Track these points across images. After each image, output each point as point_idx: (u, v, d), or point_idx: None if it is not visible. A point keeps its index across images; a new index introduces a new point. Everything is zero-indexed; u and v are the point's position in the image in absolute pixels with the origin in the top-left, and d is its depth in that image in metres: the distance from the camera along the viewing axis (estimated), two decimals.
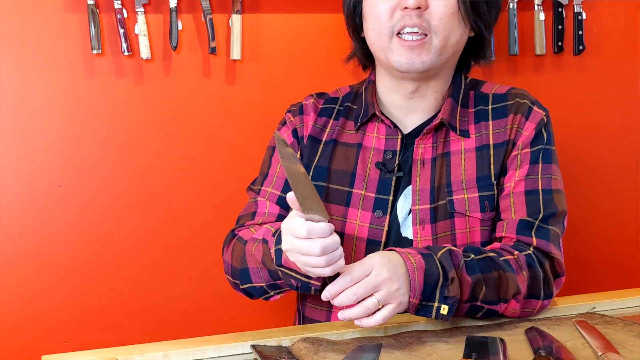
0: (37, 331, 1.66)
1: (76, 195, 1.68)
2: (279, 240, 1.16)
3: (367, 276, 1.08)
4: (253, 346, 1.10)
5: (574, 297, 1.33)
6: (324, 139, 1.37)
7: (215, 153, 1.76)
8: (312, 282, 1.16)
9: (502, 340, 1.10)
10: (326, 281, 1.13)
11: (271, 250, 1.19)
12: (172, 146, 1.73)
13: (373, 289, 1.08)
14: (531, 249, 1.24)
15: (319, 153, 1.36)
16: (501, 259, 1.21)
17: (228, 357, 1.12)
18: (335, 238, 1.06)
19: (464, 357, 1.01)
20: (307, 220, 1.05)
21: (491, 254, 1.21)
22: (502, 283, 1.19)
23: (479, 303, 1.17)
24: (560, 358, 1.00)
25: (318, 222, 1.04)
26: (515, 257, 1.22)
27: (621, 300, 1.33)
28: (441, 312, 1.12)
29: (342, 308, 1.11)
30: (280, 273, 1.19)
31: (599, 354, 1.00)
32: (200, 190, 1.76)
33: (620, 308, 1.31)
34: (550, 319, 1.23)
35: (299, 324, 1.42)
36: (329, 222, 1.06)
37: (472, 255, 1.19)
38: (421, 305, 1.12)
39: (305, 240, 1.05)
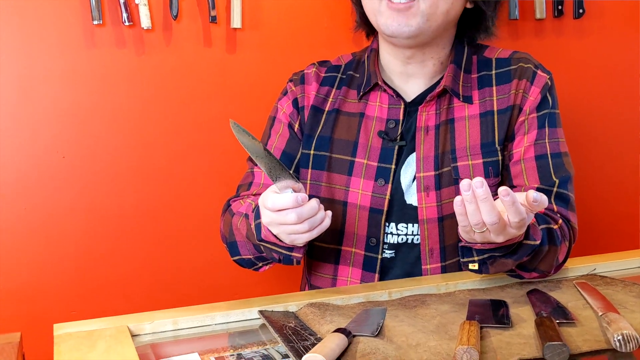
0: (44, 301, 1.68)
1: (81, 165, 1.69)
2: (257, 215, 1.18)
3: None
4: (261, 312, 1.12)
5: (575, 259, 1.35)
6: (326, 109, 1.38)
7: (216, 121, 1.76)
8: (293, 254, 1.18)
9: (504, 302, 1.12)
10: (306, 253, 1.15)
11: (252, 225, 1.21)
12: (174, 115, 1.73)
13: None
14: (561, 220, 1.24)
15: (321, 123, 1.37)
16: (555, 227, 1.20)
17: (236, 322, 1.14)
18: (311, 204, 1.08)
19: (467, 319, 1.03)
20: (281, 189, 1.08)
21: (552, 226, 1.20)
22: (547, 257, 1.18)
23: (514, 268, 1.18)
24: (562, 319, 1.02)
25: (292, 189, 1.08)
26: (559, 226, 1.22)
27: (621, 262, 1.35)
28: (470, 267, 1.13)
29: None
30: (262, 247, 1.21)
31: (600, 314, 1.02)
32: (202, 157, 1.77)
33: (620, 269, 1.33)
34: (551, 281, 1.25)
35: (307, 281, 1.44)
36: (301, 186, 1.10)
37: (540, 227, 1.16)
38: (465, 250, 1.12)
39: (279, 212, 1.08)
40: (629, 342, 0.89)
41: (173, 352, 1.05)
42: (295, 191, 1.09)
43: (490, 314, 1.06)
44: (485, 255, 1.12)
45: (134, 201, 1.73)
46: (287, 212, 1.07)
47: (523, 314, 1.07)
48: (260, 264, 1.32)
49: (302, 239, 1.12)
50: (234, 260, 1.35)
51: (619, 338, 0.90)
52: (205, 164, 1.77)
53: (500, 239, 1.05)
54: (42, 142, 1.66)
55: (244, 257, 1.32)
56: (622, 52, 2.03)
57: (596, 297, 1.11)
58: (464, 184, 0.98)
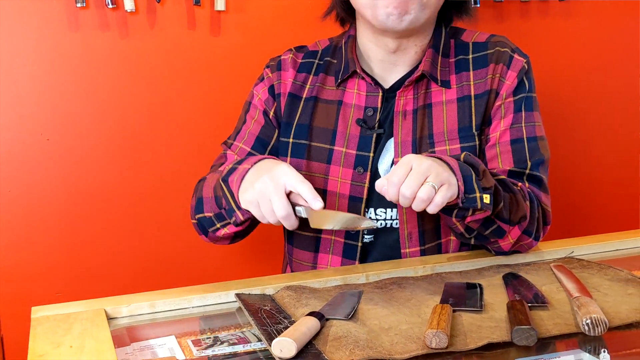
0: (28, 282, 1.69)
1: (64, 147, 1.69)
2: (239, 161, 1.20)
3: (411, 169, 1.08)
4: (237, 295, 1.13)
5: (554, 242, 1.36)
6: (304, 96, 1.38)
7: (199, 104, 1.76)
8: (237, 213, 1.18)
9: (479, 285, 1.13)
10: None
11: (226, 167, 1.22)
12: (158, 98, 1.73)
13: (423, 176, 1.07)
14: (526, 190, 1.27)
15: (299, 110, 1.37)
16: (514, 186, 1.23)
17: (213, 305, 1.14)
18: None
19: (441, 302, 1.04)
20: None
21: (503, 177, 1.23)
22: (513, 204, 1.21)
23: (492, 216, 1.19)
24: (534, 302, 1.03)
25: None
26: (520, 187, 1.25)
27: (599, 245, 1.36)
28: (484, 201, 1.13)
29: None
30: (220, 187, 1.21)
31: (572, 297, 1.02)
32: (185, 141, 1.77)
33: (598, 252, 1.34)
34: (529, 264, 1.26)
35: (289, 267, 1.45)
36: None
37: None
38: (465, 197, 1.13)
39: (287, 198, 1.10)
40: (597, 326, 0.90)
41: (150, 335, 1.06)
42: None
43: (464, 297, 1.07)
44: (485, 184, 1.14)
45: (116, 184, 1.73)
46: (284, 208, 1.09)
47: (497, 297, 1.08)
48: (218, 225, 1.28)
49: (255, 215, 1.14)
50: (196, 220, 1.33)
51: (587, 322, 0.91)
52: (188, 146, 1.77)
53: (439, 199, 1.07)
54: (25, 124, 1.65)
55: (205, 214, 1.29)
56: (607, 35, 2.03)
57: (570, 280, 1.12)
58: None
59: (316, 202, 1.08)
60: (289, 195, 1.10)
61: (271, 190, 1.08)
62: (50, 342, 0.95)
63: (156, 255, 1.79)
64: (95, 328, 1.00)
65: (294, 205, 1.10)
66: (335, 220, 1.10)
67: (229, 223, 1.24)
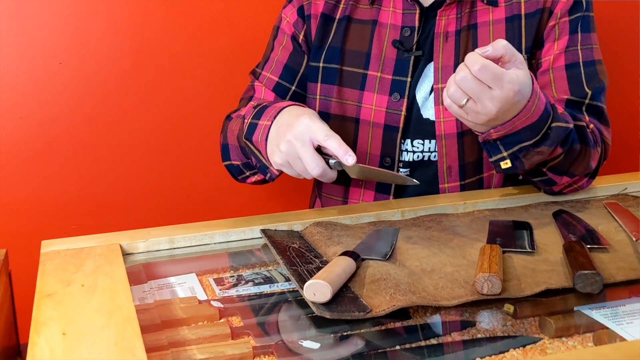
0: (43, 214, 1.63)
1: (78, 73, 1.60)
2: (257, 115, 1.11)
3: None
4: (263, 230, 1.04)
5: (604, 177, 1.25)
6: (337, 17, 1.26)
7: (221, 31, 1.66)
8: (271, 170, 1.11)
9: (528, 224, 1.03)
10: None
11: (245, 121, 1.13)
12: (176, 19, 1.63)
13: (474, 93, 0.95)
14: (593, 126, 1.16)
15: (332, 33, 1.26)
16: (587, 130, 1.13)
17: (237, 242, 1.06)
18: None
19: (487, 242, 0.95)
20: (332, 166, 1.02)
21: (582, 124, 1.12)
22: (580, 158, 1.11)
23: (545, 169, 1.10)
24: (592, 244, 0.93)
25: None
26: (591, 130, 1.15)
27: None
28: (502, 166, 1.05)
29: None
30: (245, 144, 1.14)
31: (635, 239, 0.93)
32: (208, 69, 1.68)
33: None
34: (579, 201, 1.16)
35: (319, 201, 1.37)
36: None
37: (572, 125, 1.07)
38: (489, 145, 1.04)
39: (316, 155, 1.01)
40: None
41: (169, 273, 0.99)
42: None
43: (513, 237, 0.97)
44: (515, 148, 1.03)
45: (134, 113, 1.65)
46: (318, 164, 1.00)
47: (549, 237, 0.98)
48: (247, 173, 1.24)
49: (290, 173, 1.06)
50: (225, 166, 1.28)
51: None
52: (212, 75, 1.68)
53: (489, 105, 0.95)
54: (37, 47, 1.56)
55: (233, 162, 1.24)
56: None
57: (630, 220, 1.02)
58: None
59: (349, 158, 0.98)
60: (318, 148, 1.01)
61: (298, 149, 1.00)
62: (59, 279, 0.88)
63: (176, 188, 1.72)
64: (109, 265, 0.92)
65: (327, 157, 1.01)
66: (374, 176, 1.07)
67: (258, 172, 1.18)
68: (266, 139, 1.07)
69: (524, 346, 0.75)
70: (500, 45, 0.94)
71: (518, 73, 0.95)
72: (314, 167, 0.99)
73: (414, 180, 1.04)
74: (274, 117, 1.07)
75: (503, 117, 0.98)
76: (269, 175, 1.12)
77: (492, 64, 0.93)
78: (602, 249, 0.92)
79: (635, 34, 1.97)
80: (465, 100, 0.95)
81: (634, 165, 1.95)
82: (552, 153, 1.06)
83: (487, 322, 0.80)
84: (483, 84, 0.94)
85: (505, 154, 1.04)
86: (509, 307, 0.81)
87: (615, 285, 0.84)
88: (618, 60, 1.97)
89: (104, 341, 0.70)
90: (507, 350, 0.74)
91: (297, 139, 1.00)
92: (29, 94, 1.58)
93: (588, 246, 0.91)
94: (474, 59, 0.93)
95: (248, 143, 1.13)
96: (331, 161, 1.00)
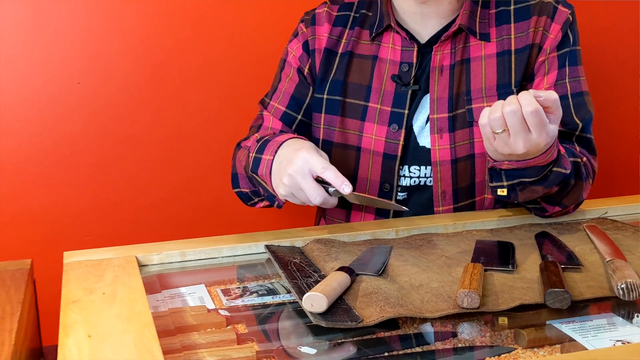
0: (58, 224, 1.71)
1: (94, 91, 1.68)
2: (260, 150, 1.20)
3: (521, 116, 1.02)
4: (267, 246, 1.13)
5: (587, 202, 1.33)
6: (340, 51, 1.35)
7: (233, 58, 1.75)
8: (278, 199, 1.19)
9: (511, 245, 1.12)
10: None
11: (250, 155, 1.22)
12: (190, 40, 1.72)
13: (534, 126, 1.01)
14: (585, 158, 1.24)
15: (335, 66, 1.35)
16: (581, 164, 1.21)
17: (243, 256, 1.15)
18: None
19: (472, 261, 1.03)
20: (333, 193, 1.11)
21: (578, 160, 1.20)
22: (573, 190, 1.19)
23: (539, 199, 1.18)
24: (567, 264, 1.02)
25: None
26: (584, 163, 1.22)
27: (634, 206, 1.33)
28: (498, 192, 1.14)
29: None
30: (252, 178, 1.23)
31: (606, 260, 1.01)
32: (221, 89, 1.76)
33: (632, 213, 1.32)
34: (562, 223, 1.24)
35: (323, 222, 1.46)
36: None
37: (569, 171, 1.15)
38: (494, 172, 1.13)
39: (315, 184, 1.09)
40: (632, 291, 0.89)
41: (180, 283, 1.07)
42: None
43: (496, 256, 1.06)
44: (515, 181, 1.12)
45: (149, 129, 1.74)
46: (319, 194, 1.09)
47: (529, 257, 1.07)
48: (255, 199, 1.33)
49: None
50: (235, 193, 1.37)
51: (622, 286, 0.90)
52: (225, 94, 1.76)
53: (520, 145, 1.03)
54: (56, 67, 1.65)
55: (242, 189, 1.33)
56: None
57: (604, 242, 1.10)
58: None
59: (345, 187, 1.07)
60: (318, 177, 1.10)
61: (300, 182, 1.09)
62: (82, 288, 0.96)
63: (187, 201, 1.80)
64: (127, 275, 1.01)
65: (326, 186, 1.10)
66: (369, 202, 1.17)
67: (265, 199, 1.27)
68: (270, 173, 1.15)
69: (499, 355, 0.83)
70: (553, 99, 1.01)
71: (555, 128, 1.04)
72: (315, 197, 1.08)
73: (404, 207, 1.13)
74: (275, 152, 1.16)
75: (523, 156, 1.06)
76: (277, 203, 1.21)
77: (542, 112, 1.00)
78: (576, 268, 1.01)
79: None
80: (502, 130, 1.03)
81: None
82: (548, 192, 1.15)
83: (467, 333, 0.88)
84: (526, 125, 1.01)
85: (505, 183, 1.13)
86: (503, 320, 0.90)
87: (584, 302, 0.92)
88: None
89: (125, 343, 0.78)
90: (484, 359, 0.82)
91: (298, 173, 1.08)
92: (48, 110, 1.67)
93: (563, 266, 1.00)
94: (529, 100, 0.99)
95: (255, 176, 1.21)
96: (330, 189, 1.09)
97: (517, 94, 1.19)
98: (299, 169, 1.08)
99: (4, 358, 0.78)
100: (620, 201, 1.35)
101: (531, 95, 1.00)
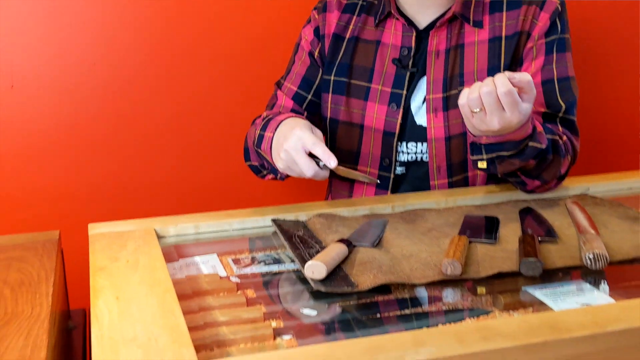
0: (81, 200, 1.82)
1: (113, 71, 1.77)
2: (264, 127, 1.32)
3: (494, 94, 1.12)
4: (273, 220, 1.24)
5: (571, 178, 1.43)
6: (347, 36, 1.46)
7: (247, 44, 1.83)
8: (280, 173, 1.32)
9: (496, 219, 1.22)
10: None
11: (256, 132, 1.34)
12: (205, 27, 1.80)
13: (508, 105, 1.11)
14: (565, 137, 1.34)
15: (342, 50, 1.45)
16: (560, 142, 1.31)
17: (251, 229, 1.26)
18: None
19: (459, 233, 1.14)
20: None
21: (556, 137, 1.30)
22: (551, 166, 1.29)
23: (519, 173, 1.29)
24: (545, 236, 1.12)
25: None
26: (564, 141, 1.33)
27: (614, 183, 1.43)
28: (479, 165, 1.25)
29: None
30: (259, 153, 1.35)
31: (581, 232, 1.12)
32: (232, 66, 1.84)
33: (612, 190, 1.42)
34: (546, 199, 1.35)
35: (330, 196, 1.58)
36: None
37: (544, 146, 1.24)
38: (474, 146, 1.24)
39: (308, 158, 1.20)
40: (598, 261, 1.00)
41: (194, 253, 1.18)
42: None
43: (481, 229, 1.16)
44: (493, 155, 1.22)
45: (161, 107, 1.82)
46: (310, 167, 1.19)
47: (511, 230, 1.17)
48: (264, 172, 1.45)
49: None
50: (247, 165, 1.49)
51: (590, 256, 1.00)
52: (236, 73, 1.85)
53: (495, 122, 1.14)
54: (72, 49, 1.74)
55: (252, 163, 1.45)
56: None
57: (582, 217, 1.20)
58: None
59: (330, 161, 1.18)
60: (311, 153, 1.20)
61: (294, 156, 1.20)
62: (108, 257, 1.07)
63: (200, 179, 1.90)
64: (147, 245, 1.12)
65: (317, 160, 1.20)
66: (352, 175, 1.28)
67: (270, 172, 1.40)
68: (270, 148, 1.27)
69: (478, 316, 0.94)
70: (526, 80, 1.12)
71: (528, 107, 1.14)
72: (307, 169, 1.19)
73: (377, 180, 1.27)
74: (275, 130, 1.28)
75: (498, 132, 1.17)
76: (279, 175, 1.33)
77: (515, 92, 1.11)
78: (552, 240, 1.11)
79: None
80: (479, 109, 1.14)
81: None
82: (525, 165, 1.25)
83: (451, 297, 0.99)
84: (500, 105, 1.12)
85: (484, 156, 1.23)
86: (481, 290, 1.00)
87: (557, 271, 1.03)
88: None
89: (149, 305, 0.89)
90: (464, 319, 0.93)
91: (292, 149, 1.20)
92: (73, 87, 1.76)
93: (540, 238, 1.10)
94: (503, 81, 1.10)
95: (259, 151, 1.33)
96: (321, 163, 1.20)
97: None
98: (293, 145, 1.20)
99: (43, 317, 0.89)
100: (602, 178, 1.45)
101: (505, 77, 1.11)
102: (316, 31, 1.48)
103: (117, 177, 1.84)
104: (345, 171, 1.24)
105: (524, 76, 1.12)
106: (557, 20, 1.38)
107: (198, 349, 0.80)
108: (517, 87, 1.12)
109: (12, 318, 0.89)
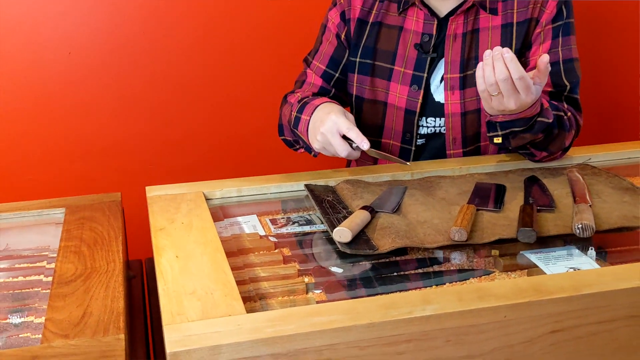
0: (140, 161, 2.00)
1: (161, 33, 1.91)
2: (300, 110, 1.46)
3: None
4: (306, 185, 1.41)
5: (574, 148, 1.57)
6: (370, 21, 1.59)
7: (275, 15, 1.96)
8: (313, 150, 1.46)
9: (504, 187, 1.38)
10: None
11: (292, 113, 1.49)
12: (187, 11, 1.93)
13: (522, 89, 1.26)
14: (570, 114, 1.49)
15: (366, 34, 1.59)
16: (565, 117, 1.46)
17: (287, 192, 1.43)
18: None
19: (468, 202, 1.30)
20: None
21: (561, 114, 1.45)
22: (557, 139, 1.45)
23: (528, 145, 1.45)
24: (544, 206, 1.28)
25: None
26: (568, 117, 1.48)
27: (615, 153, 1.58)
28: (495, 140, 1.40)
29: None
30: (295, 132, 1.50)
31: (575, 203, 1.27)
32: (263, 33, 1.98)
33: (613, 159, 1.56)
34: (549, 168, 1.50)
35: (355, 162, 1.73)
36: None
37: (551, 120, 1.40)
38: (490, 124, 1.39)
39: (342, 140, 1.34)
40: (586, 230, 1.15)
41: (237, 213, 1.36)
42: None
43: (489, 198, 1.32)
44: (507, 131, 1.38)
45: (202, 72, 1.97)
46: (344, 149, 1.34)
47: (515, 199, 1.33)
48: (297, 146, 1.60)
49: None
50: (281, 139, 1.64)
51: (579, 226, 1.16)
52: (266, 42, 1.99)
53: (512, 104, 1.29)
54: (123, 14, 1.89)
55: (286, 137, 1.61)
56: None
57: (579, 187, 1.35)
58: (485, 53, 1.27)
59: (364, 144, 1.32)
60: (345, 136, 1.35)
61: (330, 139, 1.34)
62: (165, 218, 1.25)
63: (242, 147, 2.06)
64: (198, 208, 1.30)
65: (350, 142, 1.34)
66: (383, 157, 1.41)
67: (304, 148, 1.55)
68: (307, 130, 1.42)
69: (480, 276, 1.11)
70: (545, 61, 1.27)
71: (539, 88, 1.30)
72: (341, 150, 1.34)
73: (407, 162, 1.38)
74: (311, 114, 1.42)
75: (514, 111, 1.32)
76: (313, 153, 1.49)
77: (527, 77, 1.26)
78: (550, 209, 1.27)
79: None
80: (497, 92, 1.29)
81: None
82: (534, 138, 1.40)
83: (457, 259, 1.16)
84: (515, 89, 1.27)
85: (500, 133, 1.39)
86: (495, 252, 1.16)
87: (551, 238, 1.19)
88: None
89: (204, 263, 1.07)
90: (468, 279, 1.10)
91: (328, 132, 1.35)
92: (125, 55, 1.91)
93: (539, 207, 1.26)
94: (516, 68, 1.25)
95: (295, 131, 1.49)
96: (354, 145, 1.35)
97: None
98: (329, 128, 1.35)
99: (117, 272, 1.07)
100: (605, 148, 1.59)
101: (518, 64, 1.25)
102: (342, 15, 1.61)
103: (168, 143, 1.99)
104: (376, 152, 1.39)
105: (542, 59, 1.27)
106: (563, 7, 1.51)
107: (244, 300, 0.98)
108: (538, 69, 1.28)
109: (92, 272, 1.07)
